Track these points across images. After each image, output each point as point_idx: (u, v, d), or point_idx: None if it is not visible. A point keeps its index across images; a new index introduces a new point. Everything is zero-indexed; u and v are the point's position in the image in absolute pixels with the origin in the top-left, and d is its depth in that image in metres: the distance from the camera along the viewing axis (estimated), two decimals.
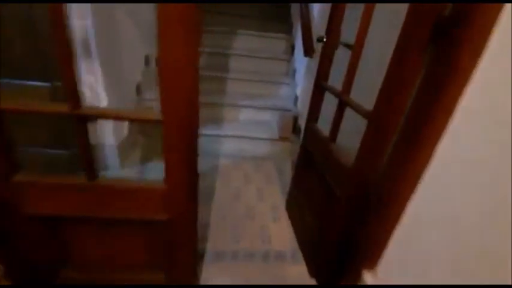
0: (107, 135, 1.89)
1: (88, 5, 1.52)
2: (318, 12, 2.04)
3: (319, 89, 1.35)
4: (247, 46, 2.88)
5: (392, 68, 0.85)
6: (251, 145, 2.39)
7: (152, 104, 2.45)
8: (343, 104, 1.14)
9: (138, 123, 2.23)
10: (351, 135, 1.28)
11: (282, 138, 2.39)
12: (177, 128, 0.78)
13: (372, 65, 1.17)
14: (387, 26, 1.09)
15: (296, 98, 2.50)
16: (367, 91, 1.20)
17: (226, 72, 2.65)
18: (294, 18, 2.84)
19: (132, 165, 2.06)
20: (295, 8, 2.80)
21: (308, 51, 1.87)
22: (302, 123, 2.31)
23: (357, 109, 1.03)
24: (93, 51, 1.63)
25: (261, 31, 2.90)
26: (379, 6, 1.04)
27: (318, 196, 1.34)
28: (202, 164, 2.15)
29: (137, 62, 2.31)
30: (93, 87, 1.72)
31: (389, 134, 0.90)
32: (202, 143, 2.33)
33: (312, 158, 1.42)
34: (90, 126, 0.82)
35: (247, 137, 2.36)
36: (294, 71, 2.62)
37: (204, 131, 2.33)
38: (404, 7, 0.81)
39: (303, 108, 2.33)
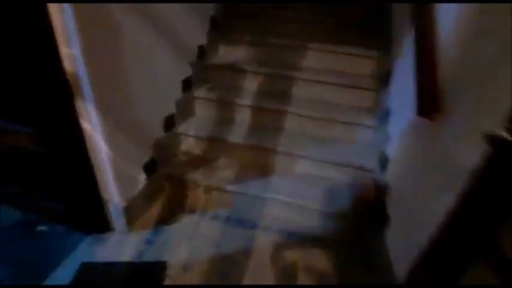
0: (112, 193, 1.43)
1: (72, 27, 1.01)
2: (457, 26, 1.05)
3: None
4: (319, 67, 2.11)
5: None
6: (304, 218, 1.66)
7: (187, 141, 1.94)
8: None
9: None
10: None
11: (353, 217, 1.60)
12: None
13: None
14: None
15: (385, 157, 1.64)
16: None
17: (285, 102, 1.95)
18: (396, 30, 1.93)
19: (142, 229, 1.57)
20: (398, 15, 1.90)
21: (426, 108, 1.03)
22: (395, 210, 1.46)
23: None
24: (85, 91, 1.13)
25: (341, 45, 2.08)
26: None
27: None
28: (229, 241, 1.54)
29: (169, 90, 1.80)
30: (92, 136, 1.25)
31: None
32: (238, 204, 1.72)
33: None
34: None
35: (299, 205, 1.65)
36: (387, 112, 1.74)
37: (243, 187, 1.71)
38: None
39: (397, 179, 1.46)
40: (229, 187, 1.71)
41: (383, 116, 1.79)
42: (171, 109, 1.81)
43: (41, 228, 1.62)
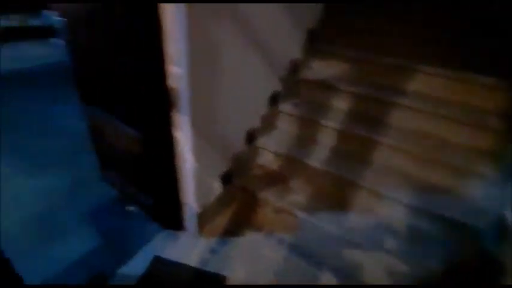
0: (190, 198, 1.50)
1: (183, 48, 1.06)
2: None
3: None
4: (428, 93, 1.79)
5: None
6: (380, 269, 1.45)
7: (265, 155, 1.91)
8: None
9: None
10: None
11: (444, 285, 1.31)
12: None
13: None
14: None
15: (506, 225, 1.28)
16: None
17: (380, 131, 1.72)
18: None
19: (210, 235, 1.62)
20: None
21: None
22: None
23: None
24: (183, 105, 1.19)
25: (460, 69, 1.70)
26: None
27: None
28: (291, 273, 1.46)
29: (256, 105, 1.79)
30: (181, 145, 1.33)
31: None
32: (307, 234, 1.61)
33: None
34: None
35: (376, 254, 1.44)
36: None
37: (314, 218, 1.59)
38: None
39: None
40: (300, 214, 1.61)
41: (510, 169, 1.40)
42: (255, 123, 1.81)
43: (130, 208, 1.84)
